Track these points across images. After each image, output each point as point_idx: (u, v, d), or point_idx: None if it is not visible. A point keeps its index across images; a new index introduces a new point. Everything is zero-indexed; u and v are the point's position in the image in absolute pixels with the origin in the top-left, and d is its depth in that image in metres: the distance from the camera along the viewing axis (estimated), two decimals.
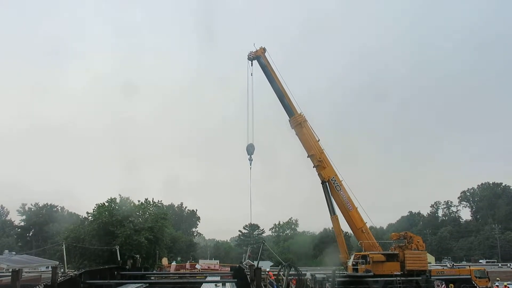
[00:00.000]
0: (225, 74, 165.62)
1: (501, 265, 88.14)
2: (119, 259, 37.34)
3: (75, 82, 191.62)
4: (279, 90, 41.94)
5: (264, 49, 42.52)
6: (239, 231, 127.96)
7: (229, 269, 46.02)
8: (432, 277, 38.78)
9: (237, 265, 35.76)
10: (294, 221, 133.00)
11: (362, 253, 39.63)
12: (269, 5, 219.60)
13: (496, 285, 41.45)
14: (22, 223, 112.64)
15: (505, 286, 41.11)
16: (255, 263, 37.24)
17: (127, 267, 32.42)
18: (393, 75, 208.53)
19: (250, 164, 38.55)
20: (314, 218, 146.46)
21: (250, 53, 42.56)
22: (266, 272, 52.50)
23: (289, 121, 42.06)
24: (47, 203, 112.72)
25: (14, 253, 77.67)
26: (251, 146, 38.65)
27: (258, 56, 42.28)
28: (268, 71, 42.06)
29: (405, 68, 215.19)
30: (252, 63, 42.25)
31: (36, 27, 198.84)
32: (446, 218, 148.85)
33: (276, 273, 39.46)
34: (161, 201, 55.72)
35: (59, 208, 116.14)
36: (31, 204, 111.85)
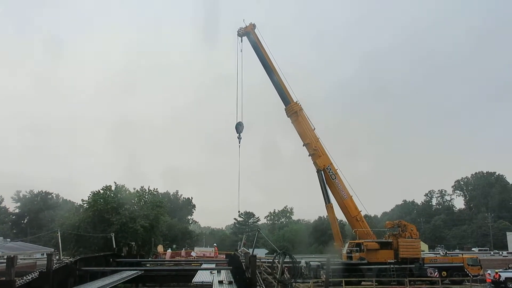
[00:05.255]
0: (227, 70, 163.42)
1: (493, 253, 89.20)
2: (114, 246, 37.34)
3: (72, 69, 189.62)
4: (269, 69, 40.98)
5: (254, 25, 41.48)
6: (235, 219, 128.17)
7: (224, 256, 46.35)
8: (425, 265, 39.25)
9: (232, 253, 35.96)
10: (289, 210, 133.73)
11: (357, 241, 40.01)
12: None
13: (488, 273, 41.93)
14: (17, 210, 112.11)
15: (496, 273, 41.58)
16: (250, 250, 37.40)
17: (123, 254, 32.44)
18: (390, 65, 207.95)
19: (239, 143, 38.44)
20: (309, 207, 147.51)
21: (240, 29, 41.61)
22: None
23: (285, 109, 41.80)
24: (42, 190, 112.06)
25: (8, 240, 77.36)
26: (240, 125, 38.29)
27: (248, 32, 41.28)
28: (259, 49, 41.10)
29: (402, 57, 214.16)
30: (242, 40, 41.38)
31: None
32: (440, 206, 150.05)
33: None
34: (156, 189, 55.48)
35: (54, 195, 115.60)
36: (26, 191, 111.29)
